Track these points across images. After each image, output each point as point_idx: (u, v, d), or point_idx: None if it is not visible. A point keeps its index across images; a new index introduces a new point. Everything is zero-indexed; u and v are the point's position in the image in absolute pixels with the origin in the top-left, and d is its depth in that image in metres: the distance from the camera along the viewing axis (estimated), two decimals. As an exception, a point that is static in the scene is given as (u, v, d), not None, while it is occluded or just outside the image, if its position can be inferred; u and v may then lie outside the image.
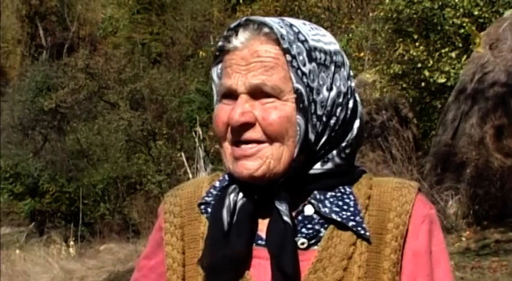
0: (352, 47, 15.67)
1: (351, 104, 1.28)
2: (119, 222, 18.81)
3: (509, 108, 9.95)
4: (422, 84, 13.26)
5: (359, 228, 1.24)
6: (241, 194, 1.26)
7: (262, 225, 1.26)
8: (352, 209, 1.26)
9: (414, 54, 12.92)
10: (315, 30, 1.28)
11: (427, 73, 12.82)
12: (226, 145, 1.25)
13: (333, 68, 1.26)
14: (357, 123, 1.29)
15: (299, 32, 1.25)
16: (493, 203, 9.35)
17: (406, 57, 13.10)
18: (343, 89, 1.27)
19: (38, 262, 14.60)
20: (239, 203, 1.25)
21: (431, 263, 1.26)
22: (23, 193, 19.93)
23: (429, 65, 12.90)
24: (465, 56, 12.40)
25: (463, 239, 8.55)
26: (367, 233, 1.24)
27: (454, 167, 9.93)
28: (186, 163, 14.64)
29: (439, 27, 13.19)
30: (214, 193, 1.33)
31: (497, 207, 9.31)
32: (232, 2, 23.32)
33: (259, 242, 1.26)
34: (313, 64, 1.23)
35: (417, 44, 13.18)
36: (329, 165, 1.27)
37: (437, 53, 13.04)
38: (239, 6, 20.90)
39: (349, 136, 1.28)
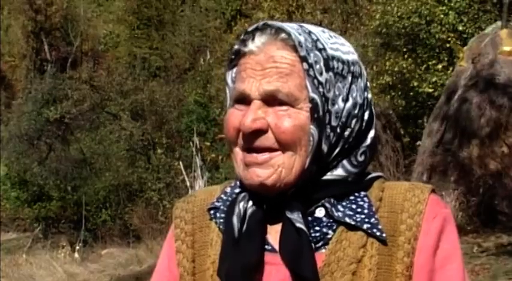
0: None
1: (366, 116, 1.22)
2: (120, 228, 18.92)
3: (491, 118, 10.25)
4: (411, 94, 13.54)
5: (374, 230, 1.17)
6: (251, 202, 1.20)
7: (271, 229, 1.21)
8: (366, 211, 1.19)
9: (404, 65, 13.21)
10: (333, 39, 1.22)
11: (415, 83, 13.13)
12: (237, 150, 1.20)
13: (350, 78, 1.20)
14: (371, 134, 1.23)
15: (317, 39, 1.19)
16: (476, 209, 9.70)
17: (396, 69, 13.35)
18: (359, 101, 1.21)
19: (42, 266, 14.87)
20: (249, 211, 1.19)
21: (435, 261, 1.18)
22: (28, 199, 20.01)
23: (416, 76, 13.20)
24: (451, 68, 12.68)
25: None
26: (384, 235, 1.17)
27: (438, 175, 10.18)
28: (184, 172, 14.80)
29: (426, 42, 13.53)
30: (225, 198, 1.27)
31: (479, 213, 9.67)
32: (227, 17, 23.53)
33: (268, 248, 1.20)
34: (330, 74, 1.18)
35: (406, 56, 13.52)
36: (339, 171, 1.20)
37: (424, 66, 13.39)
38: (234, 22, 21.31)
39: (363, 144, 1.22)
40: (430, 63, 13.51)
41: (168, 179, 18.37)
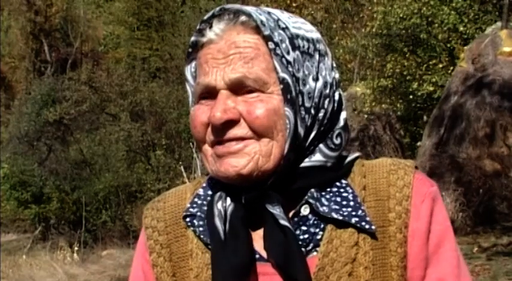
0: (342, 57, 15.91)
1: (337, 96, 1.16)
2: (120, 228, 19.06)
3: (491, 119, 10.29)
4: (411, 96, 13.59)
5: (363, 223, 1.10)
6: (229, 200, 1.11)
7: (255, 235, 1.12)
8: (352, 203, 1.12)
9: (406, 64, 13.29)
10: (294, 18, 1.15)
11: (415, 85, 13.18)
12: (206, 147, 1.11)
13: (317, 56, 1.13)
14: (343, 115, 1.17)
15: (278, 19, 1.12)
16: (476, 210, 9.70)
17: (397, 70, 13.42)
18: (329, 80, 1.14)
19: (42, 267, 14.71)
20: (229, 209, 1.10)
21: (429, 246, 1.13)
22: (28, 200, 20.08)
23: (417, 77, 13.26)
24: (452, 69, 12.67)
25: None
26: (373, 227, 1.10)
27: (438, 176, 10.07)
28: (184, 173, 14.83)
29: (426, 42, 13.59)
30: (199, 202, 1.18)
31: (479, 213, 9.67)
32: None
33: (256, 257, 1.12)
34: (297, 52, 1.11)
35: (407, 56, 13.59)
36: (317, 156, 1.13)
37: (425, 66, 13.44)
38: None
39: (337, 126, 1.16)
40: (430, 63, 13.55)
41: (167, 180, 18.46)
